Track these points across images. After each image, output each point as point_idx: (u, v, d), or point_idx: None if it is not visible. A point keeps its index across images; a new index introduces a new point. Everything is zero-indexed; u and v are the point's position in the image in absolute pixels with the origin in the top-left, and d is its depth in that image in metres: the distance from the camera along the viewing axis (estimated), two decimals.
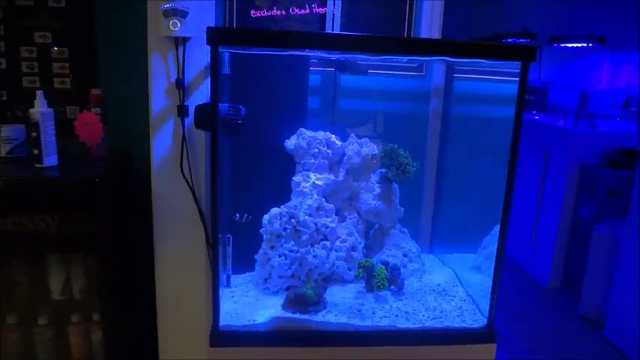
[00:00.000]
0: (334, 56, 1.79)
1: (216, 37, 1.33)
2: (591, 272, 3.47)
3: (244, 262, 1.78)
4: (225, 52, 1.65)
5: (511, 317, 3.61)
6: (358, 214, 1.87)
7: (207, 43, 1.33)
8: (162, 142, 1.88)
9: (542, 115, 4.44)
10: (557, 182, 3.97)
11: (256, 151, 1.79)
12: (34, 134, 1.82)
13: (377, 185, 1.83)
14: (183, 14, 1.76)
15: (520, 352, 3.15)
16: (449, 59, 1.78)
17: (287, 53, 1.71)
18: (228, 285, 1.74)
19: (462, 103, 1.96)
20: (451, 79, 1.96)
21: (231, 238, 1.70)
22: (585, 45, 4.30)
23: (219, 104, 1.56)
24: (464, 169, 1.93)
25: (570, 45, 4.37)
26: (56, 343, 2.01)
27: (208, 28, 1.31)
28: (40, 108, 1.82)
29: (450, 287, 1.81)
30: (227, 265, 1.72)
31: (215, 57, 1.34)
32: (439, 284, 1.83)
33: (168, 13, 1.75)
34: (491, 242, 1.82)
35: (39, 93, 1.83)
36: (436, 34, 2.11)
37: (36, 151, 1.83)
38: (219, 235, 1.66)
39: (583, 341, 3.32)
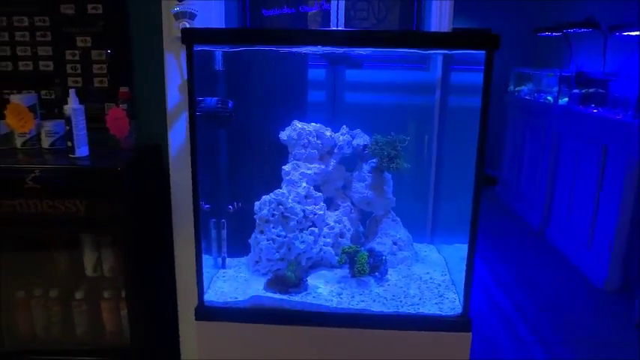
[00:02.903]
0: (320, 51, 1.85)
1: (190, 37, 1.44)
2: None
3: (243, 246, 1.89)
4: (218, 51, 1.77)
5: (561, 321, 3.45)
6: (352, 202, 1.93)
7: (182, 43, 1.44)
8: (178, 134, 2.03)
9: (602, 108, 4.19)
10: (616, 178, 3.74)
11: (254, 142, 1.89)
12: (67, 128, 2.02)
13: (369, 175, 1.87)
14: (191, 16, 1.89)
15: (566, 358, 3.01)
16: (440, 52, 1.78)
17: (283, 50, 1.80)
18: (223, 266, 1.86)
19: (459, 95, 1.94)
20: (448, 71, 1.95)
21: (226, 223, 1.81)
22: None
23: (209, 99, 1.69)
24: (463, 160, 1.91)
25: (634, 33, 4.08)
26: (91, 316, 2.22)
27: (182, 30, 1.43)
28: (72, 104, 2.02)
29: (438, 276, 1.82)
30: (222, 248, 1.84)
31: (190, 56, 1.45)
32: (428, 272, 1.84)
33: (178, 16, 1.89)
34: None
35: (71, 91, 2.03)
36: (446, 26, 2.09)
37: (70, 143, 2.03)
38: (214, 220, 1.79)
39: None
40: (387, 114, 2.04)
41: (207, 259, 1.79)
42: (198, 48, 1.49)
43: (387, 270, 1.75)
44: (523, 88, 5.66)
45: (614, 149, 3.79)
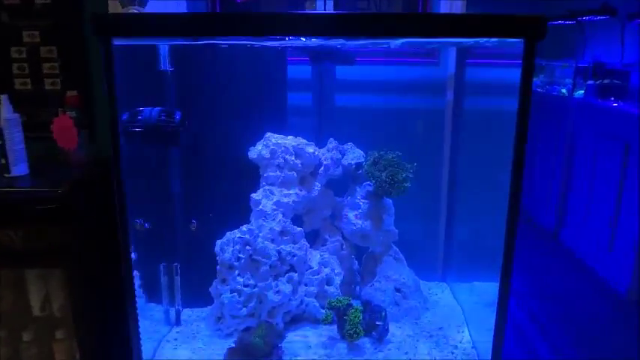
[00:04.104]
0: (301, 44, 1.35)
1: (105, 26, 0.96)
2: None
3: (205, 294, 1.40)
4: (165, 45, 1.29)
5: (580, 333, 2.98)
6: (342, 236, 1.44)
7: (93, 34, 0.97)
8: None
9: (622, 102, 3.67)
10: None
11: (214, 163, 1.40)
12: (0, 142, 1.59)
13: (363, 201, 1.39)
14: (141, 3, 1.44)
15: None
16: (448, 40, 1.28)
17: (249, 43, 1.31)
18: (177, 323, 1.39)
19: (478, 95, 1.44)
20: (464, 66, 1.45)
21: (179, 267, 1.34)
22: None
23: (148, 109, 1.21)
24: (483, 176, 1.41)
25: None
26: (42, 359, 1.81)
27: (92, 15, 0.95)
28: (4, 114, 1.59)
29: (454, 332, 1.34)
30: (175, 298, 1.37)
31: (108, 52, 0.97)
32: (441, 328, 1.36)
33: (125, 2, 1.44)
34: None
35: (3, 97, 1.61)
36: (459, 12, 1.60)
37: (3, 161, 1.61)
38: (165, 264, 1.33)
39: None
40: (386, 121, 1.55)
41: (156, 312, 1.33)
42: (120, 42, 1.01)
43: (387, 329, 1.27)
44: (534, 80, 5.13)
45: (637, 146, 3.28)
